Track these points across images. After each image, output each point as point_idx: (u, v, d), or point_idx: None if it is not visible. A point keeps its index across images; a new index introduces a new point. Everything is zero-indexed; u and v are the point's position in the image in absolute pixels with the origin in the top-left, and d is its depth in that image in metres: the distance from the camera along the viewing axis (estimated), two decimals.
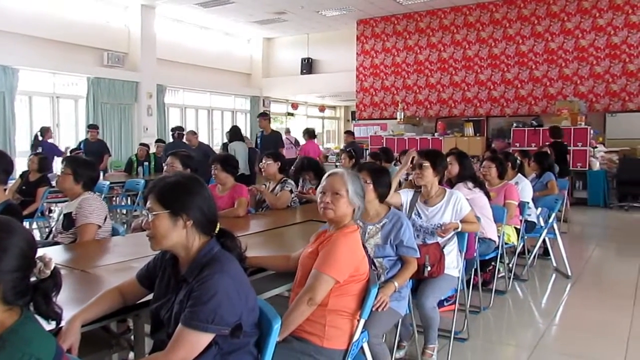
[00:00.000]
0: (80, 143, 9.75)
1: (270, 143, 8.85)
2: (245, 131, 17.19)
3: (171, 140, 10.32)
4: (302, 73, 16.59)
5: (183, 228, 1.84)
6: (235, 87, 16.94)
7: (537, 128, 11.24)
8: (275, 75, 17.36)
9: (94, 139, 9.62)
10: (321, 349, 2.22)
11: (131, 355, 2.62)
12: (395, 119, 13.76)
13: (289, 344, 2.19)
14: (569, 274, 5.45)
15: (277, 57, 17.51)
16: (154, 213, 1.83)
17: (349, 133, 12.37)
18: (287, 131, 14.77)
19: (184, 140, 9.66)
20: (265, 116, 9.28)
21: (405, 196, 3.68)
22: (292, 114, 19.33)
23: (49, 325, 1.42)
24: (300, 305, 2.19)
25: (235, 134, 9.56)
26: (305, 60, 16.52)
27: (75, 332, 1.78)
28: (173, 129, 9.91)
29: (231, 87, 16.74)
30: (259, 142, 9.33)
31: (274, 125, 17.94)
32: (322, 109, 20.51)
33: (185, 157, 4.59)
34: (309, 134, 11.44)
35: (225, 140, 13.27)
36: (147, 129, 13.22)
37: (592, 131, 10.97)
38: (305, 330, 2.23)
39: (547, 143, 9.64)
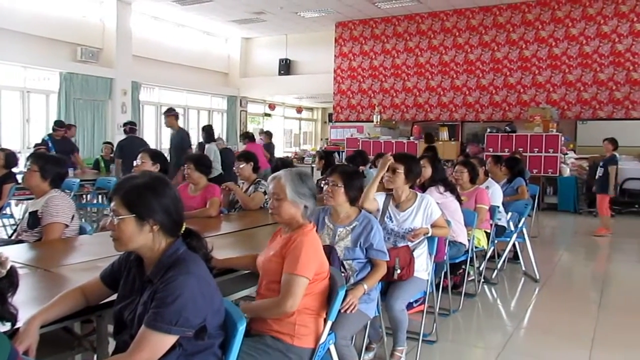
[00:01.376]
0: (45, 140, 9.37)
1: (175, 142, 8.08)
2: (222, 131, 17.10)
3: (124, 136, 9.84)
4: (280, 74, 16.54)
5: (149, 232, 1.81)
6: (212, 86, 16.83)
7: (510, 134, 11.40)
8: (253, 75, 17.29)
9: (59, 137, 9.13)
10: (292, 347, 2.26)
11: (95, 357, 2.57)
12: (372, 121, 13.82)
13: (262, 340, 2.24)
14: (538, 277, 5.53)
15: (255, 57, 17.44)
16: (119, 217, 1.79)
17: (266, 133, 12.31)
18: (262, 132, 14.73)
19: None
20: (171, 113, 8.20)
21: (379, 199, 3.69)
22: (269, 115, 19.28)
23: (4, 327, 1.38)
24: (279, 309, 2.23)
25: (210, 135, 9.40)
26: (283, 61, 16.48)
27: (33, 333, 1.75)
28: (125, 124, 9.45)
29: (208, 86, 16.62)
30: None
31: (250, 127, 17.95)
32: (299, 110, 20.50)
33: (155, 154, 4.55)
34: (249, 137, 11.42)
35: (201, 140, 13.18)
36: (121, 126, 13.01)
37: (563, 138, 11.19)
38: (277, 330, 2.27)
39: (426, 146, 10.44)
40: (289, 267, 2.28)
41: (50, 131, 9.41)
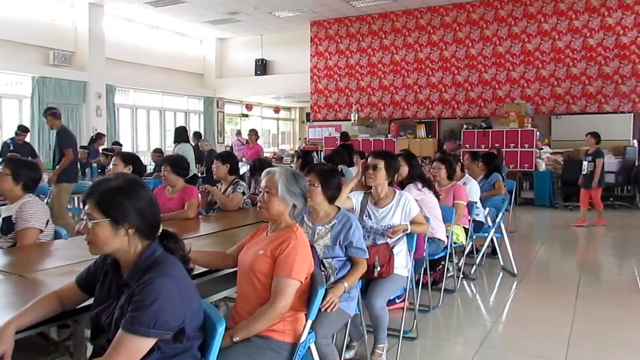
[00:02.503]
0: (7, 143, 9.21)
1: (56, 141, 7.60)
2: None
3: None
4: (256, 74, 16.49)
5: (125, 235, 1.79)
6: (188, 87, 16.71)
7: (486, 130, 11.52)
8: (229, 76, 17.21)
9: (21, 141, 9.11)
10: (282, 343, 2.28)
11: None
12: (350, 120, 13.87)
13: (249, 342, 2.22)
14: (516, 272, 5.59)
15: (230, 58, 17.36)
16: (94, 221, 1.76)
17: (195, 135, 12.27)
18: (238, 132, 14.68)
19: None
20: (47, 112, 7.68)
21: (355, 198, 3.70)
22: (246, 115, 19.22)
23: None
24: (272, 312, 2.23)
25: (180, 134, 9.36)
26: (259, 61, 16.43)
27: (8, 338, 1.72)
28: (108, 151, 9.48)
29: (184, 88, 16.50)
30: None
31: (228, 127, 17.88)
32: (276, 110, 20.46)
33: (126, 156, 4.56)
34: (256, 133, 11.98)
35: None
36: (96, 129, 12.86)
37: (538, 133, 11.34)
38: (267, 328, 2.26)
39: (340, 144, 11.03)
40: (283, 271, 2.29)
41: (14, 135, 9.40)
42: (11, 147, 8.96)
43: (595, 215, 8.73)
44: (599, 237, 8.16)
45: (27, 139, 9.68)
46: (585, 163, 8.72)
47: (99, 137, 11.03)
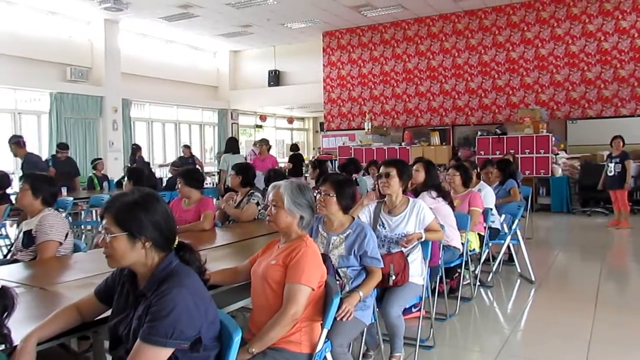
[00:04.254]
0: (48, 160, 9.38)
1: (27, 169, 7.20)
2: (214, 144, 17.14)
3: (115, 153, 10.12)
4: (269, 85, 16.61)
5: (142, 248, 1.83)
6: (203, 100, 16.87)
7: (500, 136, 11.46)
8: (243, 88, 17.35)
9: (64, 157, 9.16)
10: (298, 354, 2.29)
11: None
12: (363, 129, 13.88)
13: (264, 355, 2.22)
14: (533, 279, 5.54)
15: (244, 70, 17.51)
16: (111, 235, 1.81)
17: (135, 147, 12.33)
18: (255, 144, 14.74)
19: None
20: (12, 140, 7.65)
21: (367, 210, 3.70)
22: (260, 126, 19.32)
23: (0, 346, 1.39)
24: (284, 319, 2.24)
25: (226, 145, 9.54)
26: (272, 73, 16.55)
27: (30, 350, 1.75)
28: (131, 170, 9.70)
29: (198, 101, 16.66)
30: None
31: (242, 139, 17.97)
32: (290, 120, 20.54)
33: (129, 171, 4.68)
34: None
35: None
36: (112, 143, 13.07)
37: (553, 138, 11.25)
38: (282, 339, 2.27)
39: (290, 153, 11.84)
40: (293, 278, 2.30)
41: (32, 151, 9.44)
42: (50, 163, 9.11)
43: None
44: (618, 243, 8.05)
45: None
46: (611, 165, 8.87)
47: (138, 148, 11.62)
